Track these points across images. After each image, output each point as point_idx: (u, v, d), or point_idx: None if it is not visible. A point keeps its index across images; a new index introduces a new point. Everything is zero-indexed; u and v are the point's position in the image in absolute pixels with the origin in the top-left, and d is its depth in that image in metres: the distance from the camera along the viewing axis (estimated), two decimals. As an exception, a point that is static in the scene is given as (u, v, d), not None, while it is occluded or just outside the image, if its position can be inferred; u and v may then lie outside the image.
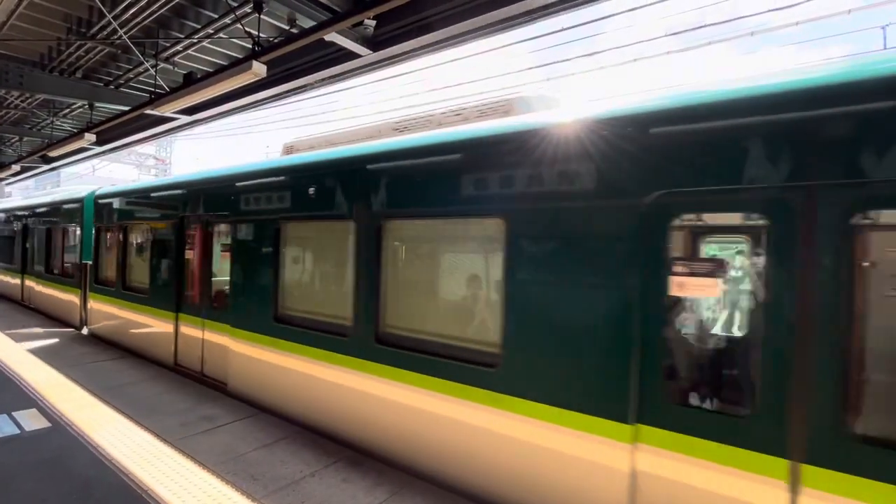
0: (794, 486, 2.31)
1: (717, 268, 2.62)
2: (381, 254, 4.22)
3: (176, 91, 6.44)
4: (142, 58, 7.10)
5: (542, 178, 3.23)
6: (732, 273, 5.20)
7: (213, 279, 6.33)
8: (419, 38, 5.12)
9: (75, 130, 11.16)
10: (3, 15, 6.28)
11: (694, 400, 3.01)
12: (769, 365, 2.42)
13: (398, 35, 5.26)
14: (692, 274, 2.65)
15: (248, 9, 5.73)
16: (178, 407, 5.18)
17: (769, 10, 6.27)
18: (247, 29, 5.52)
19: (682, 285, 2.67)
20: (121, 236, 8.17)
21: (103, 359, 7.17)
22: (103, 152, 12.87)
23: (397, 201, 4.16)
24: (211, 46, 7.28)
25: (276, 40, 6.12)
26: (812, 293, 2.32)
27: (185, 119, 8.67)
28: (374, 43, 5.37)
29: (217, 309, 6.06)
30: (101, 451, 4.01)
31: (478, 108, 4.40)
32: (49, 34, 6.95)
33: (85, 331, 9.47)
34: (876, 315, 2.30)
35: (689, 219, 3.26)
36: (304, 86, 6.87)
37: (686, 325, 3.97)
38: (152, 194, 7.56)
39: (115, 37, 6.68)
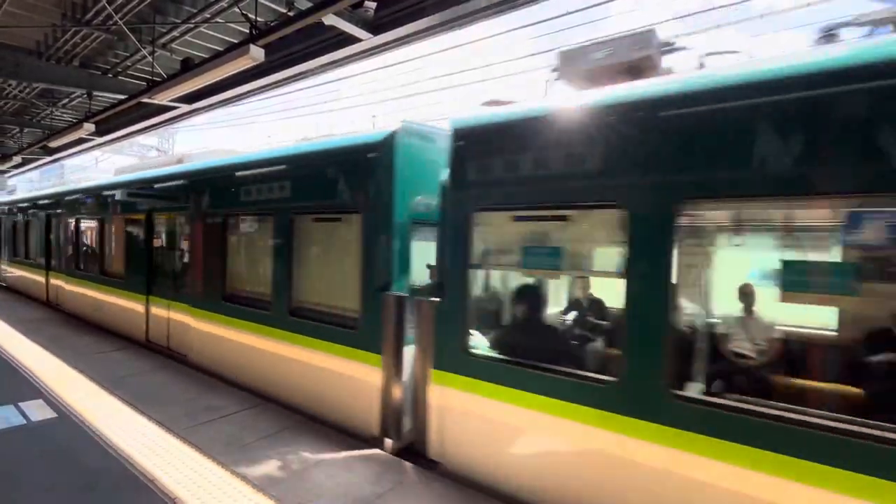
0: None
1: None
2: None
3: (173, 78, 6.33)
4: (138, 44, 6.98)
5: None
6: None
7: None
8: (420, 21, 4.98)
9: (75, 121, 11.10)
10: (-5, 1, 6.17)
11: None
12: None
13: (399, 18, 5.12)
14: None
15: (244, -9, 5.61)
16: (182, 397, 5.18)
17: (781, -10, 6.06)
18: (244, 12, 5.39)
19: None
20: None
21: (108, 350, 7.18)
22: (104, 143, 12.82)
23: None
24: (208, 31, 7.15)
25: (274, 24, 5.99)
26: None
27: (184, 108, 8.56)
28: (375, 26, 5.23)
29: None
30: (107, 441, 4.01)
31: None
32: (43, 20, 6.83)
33: None
34: None
35: None
36: (305, 72, 6.74)
37: None
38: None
39: (111, 22, 6.56)
